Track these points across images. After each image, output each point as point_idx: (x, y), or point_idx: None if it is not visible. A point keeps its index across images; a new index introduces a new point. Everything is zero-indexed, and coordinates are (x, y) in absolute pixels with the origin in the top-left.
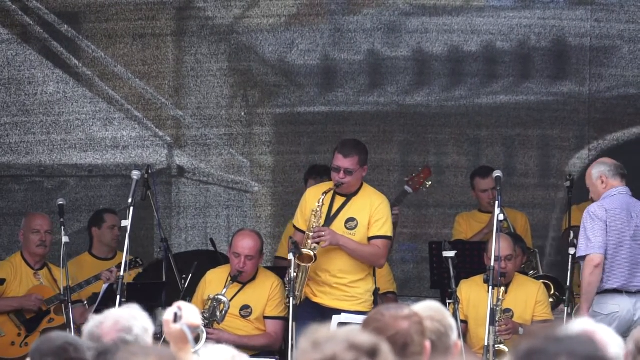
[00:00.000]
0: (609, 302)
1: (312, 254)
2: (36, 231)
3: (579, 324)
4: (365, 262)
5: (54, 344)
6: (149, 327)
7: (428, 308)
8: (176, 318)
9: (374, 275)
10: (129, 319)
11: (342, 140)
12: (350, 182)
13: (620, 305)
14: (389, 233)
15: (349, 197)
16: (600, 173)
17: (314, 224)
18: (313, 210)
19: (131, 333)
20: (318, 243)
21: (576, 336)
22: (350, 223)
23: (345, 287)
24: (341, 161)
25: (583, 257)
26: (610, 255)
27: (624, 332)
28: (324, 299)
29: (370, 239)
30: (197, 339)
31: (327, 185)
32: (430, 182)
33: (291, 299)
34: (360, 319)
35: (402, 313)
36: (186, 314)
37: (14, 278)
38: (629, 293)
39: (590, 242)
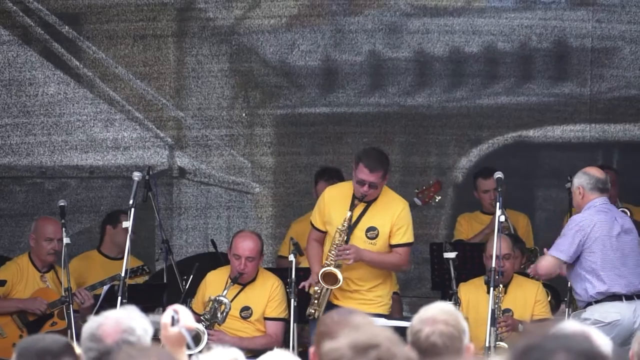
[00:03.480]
0: (611, 310)
1: (338, 275)
2: (50, 239)
3: (570, 325)
4: (388, 271)
5: (57, 345)
6: (148, 328)
7: (442, 311)
8: (173, 321)
9: None
10: (129, 320)
11: (367, 151)
12: (373, 194)
13: (622, 313)
14: (411, 239)
15: (369, 203)
16: (579, 184)
17: (338, 241)
18: (338, 229)
19: (134, 334)
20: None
21: (573, 333)
22: (371, 232)
23: (364, 292)
24: (367, 175)
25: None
26: (602, 262)
27: (624, 339)
28: (342, 302)
29: (392, 246)
30: (198, 340)
31: (346, 188)
32: (439, 197)
33: (292, 300)
34: (378, 321)
35: (353, 320)
36: (183, 316)
37: (20, 280)
38: (628, 299)
39: (558, 247)
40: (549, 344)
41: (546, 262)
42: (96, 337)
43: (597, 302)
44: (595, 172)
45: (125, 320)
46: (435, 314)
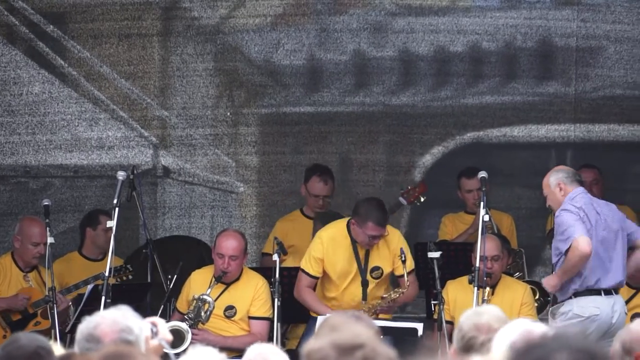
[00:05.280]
0: (589, 304)
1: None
2: (36, 244)
3: (519, 325)
4: None
5: (27, 350)
6: (143, 327)
7: (497, 319)
8: (153, 334)
9: None
10: (125, 319)
11: (369, 207)
12: None
13: (600, 307)
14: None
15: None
16: (558, 180)
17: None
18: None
19: (132, 333)
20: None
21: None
22: (376, 272)
23: None
24: (379, 231)
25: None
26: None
27: (603, 334)
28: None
29: (399, 276)
30: (182, 339)
31: (341, 232)
32: (425, 198)
33: (276, 299)
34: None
35: (330, 320)
36: (161, 329)
37: (3, 280)
38: (607, 293)
39: (573, 228)
40: (550, 342)
41: (582, 242)
42: (94, 337)
43: (575, 295)
44: (567, 167)
45: (122, 319)
46: (490, 321)
